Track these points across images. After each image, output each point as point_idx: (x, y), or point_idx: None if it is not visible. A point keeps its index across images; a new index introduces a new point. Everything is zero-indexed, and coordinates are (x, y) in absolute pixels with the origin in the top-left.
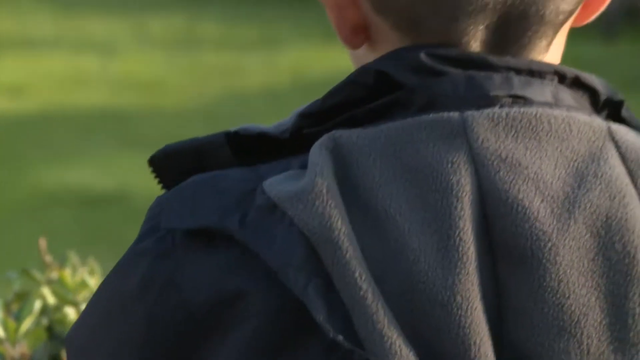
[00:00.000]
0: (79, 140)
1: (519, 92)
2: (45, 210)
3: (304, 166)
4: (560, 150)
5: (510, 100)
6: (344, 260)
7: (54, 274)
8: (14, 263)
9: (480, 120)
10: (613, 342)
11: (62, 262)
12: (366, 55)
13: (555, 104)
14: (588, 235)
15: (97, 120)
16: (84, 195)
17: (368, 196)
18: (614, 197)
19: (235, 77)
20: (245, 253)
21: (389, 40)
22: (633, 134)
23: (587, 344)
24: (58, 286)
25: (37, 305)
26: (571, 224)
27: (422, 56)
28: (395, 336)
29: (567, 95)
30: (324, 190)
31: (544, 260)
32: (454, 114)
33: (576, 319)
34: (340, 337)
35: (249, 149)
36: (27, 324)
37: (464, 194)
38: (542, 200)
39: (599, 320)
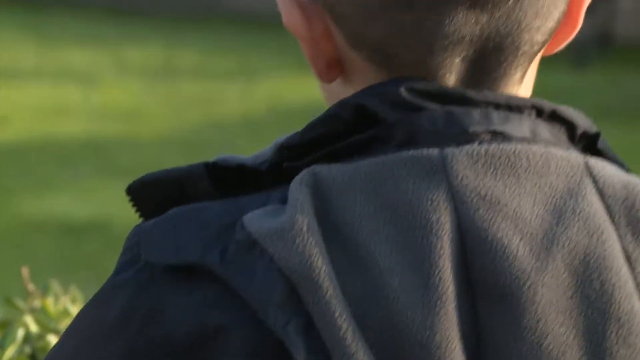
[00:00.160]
0: (60, 170)
1: (498, 128)
2: (26, 238)
3: (283, 200)
4: (539, 187)
5: (489, 136)
6: (324, 300)
7: (37, 303)
8: None
9: (460, 157)
10: None
11: (44, 290)
12: (340, 89)
13: (533, 139)
14: (566, 273)
15: (77, 149)
16: (65, 223)
17: (348, 232)
18: (592, 234)
19: (214, 106)
20: (226, 289)
21: (364, 74)
22: (610, 168)
23: None
24: (41, 315)
25: (20, 333)
26: (550, 262)
27: (402, 91)
28: None
29: (544, 129)
30: (304, 228)
31: (523, 299)
32: (434, 151)
33: (554, 358)
34: None
35: (228, 180)
36: (10, 352)
37: (444, 232)
38: (521, 239)
39: (577, 358)
